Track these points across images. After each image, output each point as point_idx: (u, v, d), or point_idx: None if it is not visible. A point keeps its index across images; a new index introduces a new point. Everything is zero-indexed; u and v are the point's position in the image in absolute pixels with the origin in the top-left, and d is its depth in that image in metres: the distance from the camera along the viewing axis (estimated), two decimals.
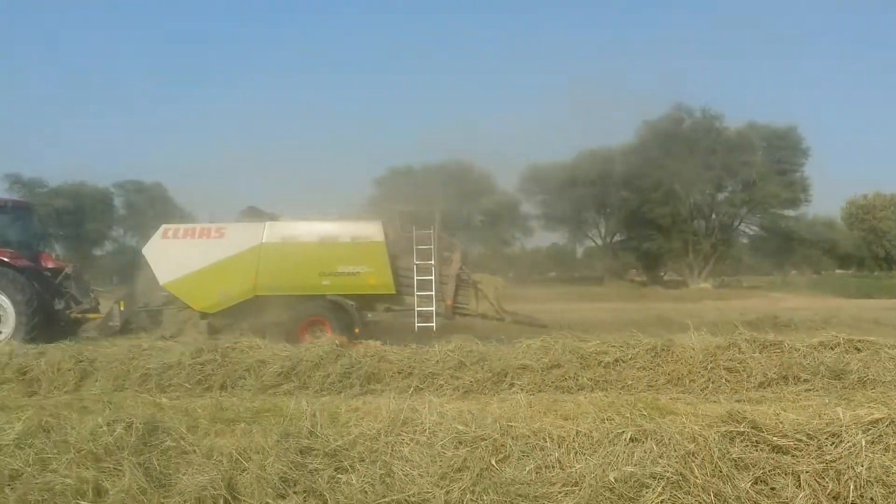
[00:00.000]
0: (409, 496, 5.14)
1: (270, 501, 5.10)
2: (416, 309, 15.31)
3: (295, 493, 5.16)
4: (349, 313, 15.01)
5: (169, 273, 15.11)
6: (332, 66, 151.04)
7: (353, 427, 5.92)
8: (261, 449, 5.51)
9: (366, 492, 5.17)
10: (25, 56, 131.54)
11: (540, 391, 10.01)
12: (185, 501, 5.11)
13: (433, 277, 15.37)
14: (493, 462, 5.38)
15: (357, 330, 14.59)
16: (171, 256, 15.14)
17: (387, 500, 5.09)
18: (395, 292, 15.39)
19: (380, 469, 5.33)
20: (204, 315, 15.37)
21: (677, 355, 10.63)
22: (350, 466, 5.40)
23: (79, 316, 16.95)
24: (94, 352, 11.63)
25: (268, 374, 10.84)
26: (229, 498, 5.14)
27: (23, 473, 5.44)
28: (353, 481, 5.24)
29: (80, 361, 11.31)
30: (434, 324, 15.18)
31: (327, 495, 5.13)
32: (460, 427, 5.60)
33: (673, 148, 47.75)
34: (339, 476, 5.34)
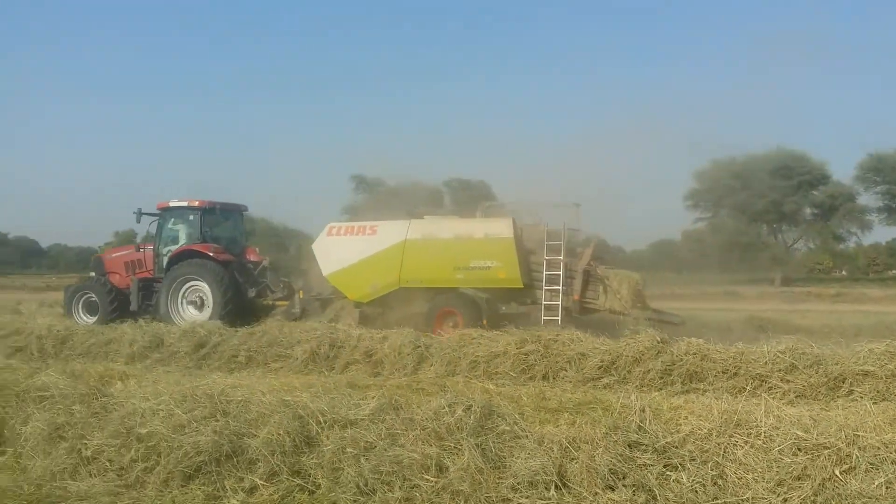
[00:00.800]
0: (742, 500, 4.97)
1: (599, 492, 5.19)
2: (543, 303, 15.68)
3: (624, 486, 5.20)
4: (479, 305, 15.58)
5: (331, 266, 16.92)
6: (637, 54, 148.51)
7: (682, 425, 5.83)
8: (590, 440, 5.62)
9: (696, 491, 5.08)
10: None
11: (884, 400, 9.12)
12: (517, 483, 5.35)
13: (560, 272, 15.62)
14: (837, 473, 5.02)
15: (485, 322, 14.92)
16: (333, 252, 16.94)
17: (719, 502, 4.97)
18: (521, 286, 15.81)
19: (711, 470, 5.21)
20: (357, 304, 16.89)
21: None
22: (680, 464, 5.33)
23: (270, 302, 19.08)
24: (429, 339, 12.57)
25: (588, 366, 11.01)
26: (559, 484, 5.30)
27: (376, 446, 6.01)
28: (684, 479, 5.17)
29: (418, 347, 12.30)
30: (560, 317, 15.37)
31: (656, 491, 5.11)
32: (800, 433, 5.28)
33: None
34: (669, 473, 5.29)
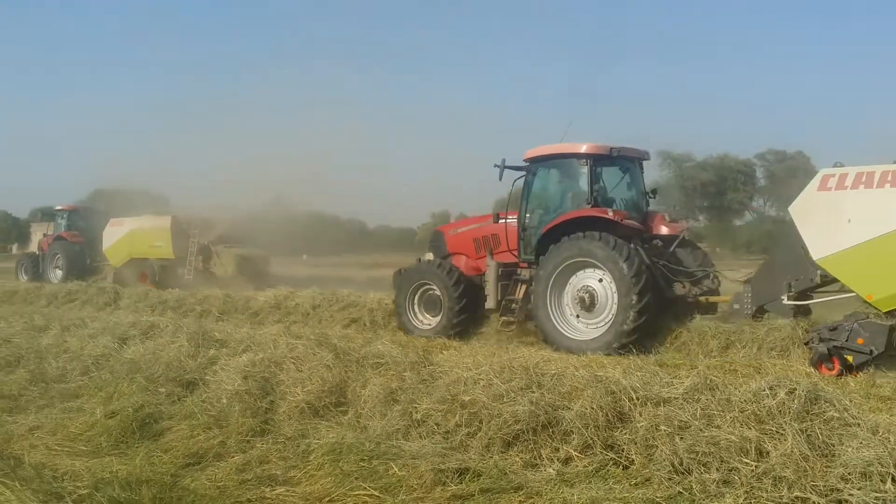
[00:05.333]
0: None
1: None
2: (187, 267, 25.79)
3: None
4: (155, 270, 26.40)
5: (106, 244, 28.63)
6: None
7: None
8: None
9: None
10: None
11: None
12: (848, 474, 5.01)
13: (194, 249, 25.93)
14: None
15: (157, 278, 26.01)
16: (108, 235, 28.21)
17: None
18: (174, 257, 26.09)
19: None
20: (114, 268, 27.86)
21: None
22: None
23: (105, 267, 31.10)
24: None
25: None
26: None
27: (690, 426, 5.87)
28: None
29: (721, 331, 11.91)
30: (192, 277, 25.49)
31: None
32: None
33: None
34: None
